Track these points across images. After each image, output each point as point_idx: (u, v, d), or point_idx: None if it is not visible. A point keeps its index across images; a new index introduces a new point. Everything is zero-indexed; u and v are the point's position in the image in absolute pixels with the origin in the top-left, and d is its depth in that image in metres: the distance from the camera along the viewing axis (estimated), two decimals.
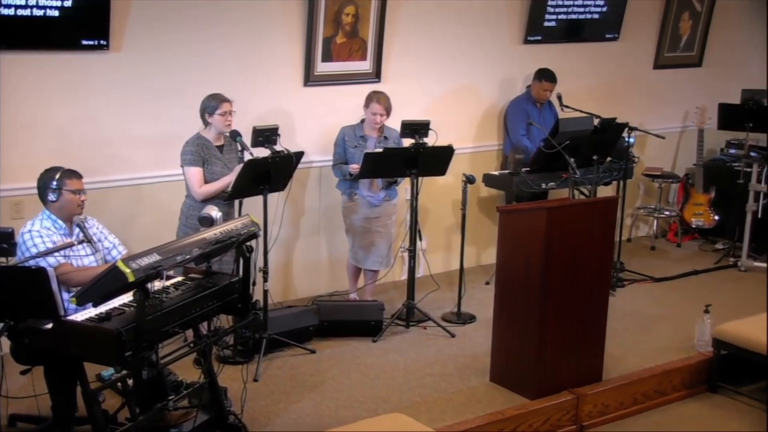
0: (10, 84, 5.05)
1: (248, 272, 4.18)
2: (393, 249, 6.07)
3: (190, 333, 4.39)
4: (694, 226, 7.86)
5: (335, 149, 5.88)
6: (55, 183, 4.29)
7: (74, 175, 4.35)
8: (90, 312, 3.69)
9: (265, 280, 5.26)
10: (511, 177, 6.36)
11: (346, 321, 5.65)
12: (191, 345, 4.09)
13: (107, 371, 4.53)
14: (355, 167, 5.67)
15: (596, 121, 6.44)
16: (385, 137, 5.86)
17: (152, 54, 5.45)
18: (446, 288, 6.51)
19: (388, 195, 5.94)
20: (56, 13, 4.97)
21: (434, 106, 6.66)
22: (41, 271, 3.54)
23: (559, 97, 6.81)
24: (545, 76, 6.78)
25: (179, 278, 4.17)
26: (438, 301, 6.27)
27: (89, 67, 5.25)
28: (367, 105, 5.78)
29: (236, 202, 5.34)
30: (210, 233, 3.95)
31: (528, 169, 6.34)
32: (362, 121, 5.87)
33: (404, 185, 6.34)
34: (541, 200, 6.10)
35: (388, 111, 5.76)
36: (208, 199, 5.07)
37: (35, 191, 4.42)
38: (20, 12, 4.87)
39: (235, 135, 5.20)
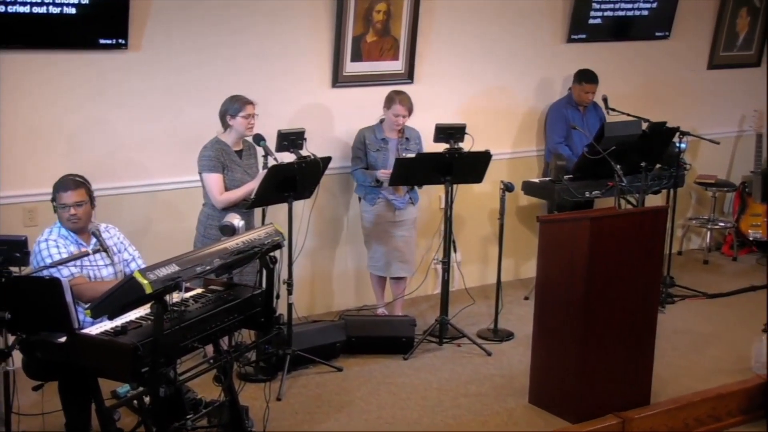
0: (25, 85, 5.13)
1: (272, 284, 4.20)
2: (415, 254, 6.06)
3: (210, 348, 4.42)
4: (751, 239, 7.77)
5: (355, 153, 5.91)
6: (52, 196, 4.37)
7: (67, 186, 4.35)
8: (105, 325, 3.73)
9: (290, 292, 5.28)
10: (552, 185, 6.33)
11: (375, 337, 5.66)
12: (211, 361, 4.12)
13: (123, 388, 4.58)
14: (385, 173, 5.68)
15: (645, 125, 6.39)
16: (407, 138, 5.88)
17: (172, 54, 5.52)
18: (482, 303, 6.49)
19: (412, 197, 5.96)
20: (73, 10, 5.05)
21: (470, 108, 6.65)
22: (55, 282, 3.59)
23: (605, 100, 6.78)
24: (585, 77, 6.75)
25: (199, 290, 4.20)
26: (473, 316, 6.26)
27: (107, 67, 5.32)
28: (387, 106, 5.80)
29: (258, 210, 5.37)
30: (232, 243, 3.98)
31: (571, 176, 6.31)
32: (381, 121, 5.90)
33: (437, 192, 6.35)
34: (585, 210, 6.07)
35: (410, 111, 5.79)
36: (229, 207, 5.10)
37: (49, 197, 4.48)
38: (36, 9, 4.95)
39: (258, 139, 5.23)
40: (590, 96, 6.79)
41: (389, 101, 5.81)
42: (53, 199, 4.37)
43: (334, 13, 5.97)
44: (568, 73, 6.95)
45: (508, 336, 5.98)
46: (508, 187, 5.84)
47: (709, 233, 7.92)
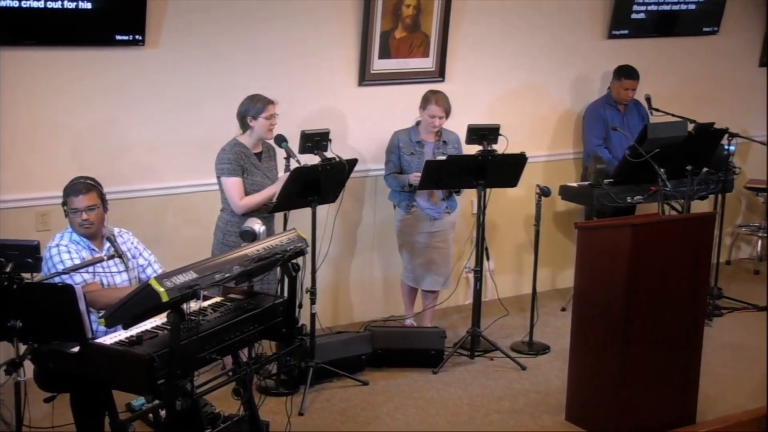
0: (38, 83, 5.19)
1: (294, 293, 4.21)
2: (453, 267, 6.06)
3: (228, 360, 4.45)
4: None
5: (388, 157, 5.91)
6: (63, 201, 4.40)
7: (78, 190, 4.38)
8: (120, 335, 3.75)
9: (313, 302, 5.30)
10: (591, 189, 6.31)
11: (402, 349, 5.66)
12: (230, 373, 4.13)
13: (138, 400, 4.61)
14: (417, 176, 5.69)
15: (691, 127, 6.35)
16: (444, 141, 5.87)
17: (191, 50, 5.56)
18: (516, 314, 6.47)
19: (449, 206, 5.95)
20: (89, 5, 5.11)
21: (505, 108, 6.64)
22: (68, 289, 3.62)
23: (648, 99, 6.74)
24: (625, 73, 6.72)
25: (217, 299, 4.22)
26: (507, 328, 6.24)
27: (123, 65, 5.37)
28: (423, 106, 5.80)
29: (280, 215, 5.39)
30: (252, 249, 3.99)
31: (611, 180, 6.28)
32: (417, 123, 5.90)
33: (469, 197, 6.34)
34: (626, 216, 6.04)
35: (447, 113, 5.78)
36: (249, 213, 5.12)
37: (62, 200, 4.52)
38: (50, 4, 5.01)
39: (280, 140, 5.25)
40: (630, 93, 6.76)
41: (425, 101, 5.80)
42: (64, 204, 4.40)
43: (361, 7, 5.99)
44: (608, 71, 6.92)
45: (543, 349, 5.96)
46: (544, 192, 5.82)
47: (760, 241, 7.84)
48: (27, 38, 5.05)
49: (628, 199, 6.31)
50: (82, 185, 4.39)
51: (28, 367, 3.84)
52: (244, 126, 5.22)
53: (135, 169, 5.54)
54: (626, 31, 7.06)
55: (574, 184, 6.63)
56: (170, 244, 5.53)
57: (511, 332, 6.19)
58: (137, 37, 5.31)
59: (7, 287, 3.63)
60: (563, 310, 6.62)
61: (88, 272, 4.32)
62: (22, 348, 3.81)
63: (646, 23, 7.13)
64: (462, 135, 5.80)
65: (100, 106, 5.40)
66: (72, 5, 5.06)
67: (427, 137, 5.86)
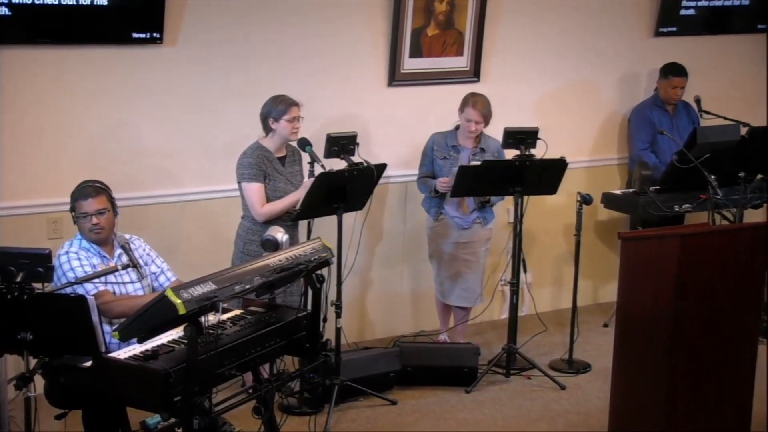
0: (51, 83, 5.25)
1: (318, 306, 4.22)
2: (484, 283, 6.05)
3: (249, 376, 4.46)
4: None
5: (422, 159, 5.91)
6: (71, 205, 4.44)
7: (87, 194, 4.41)
8: (135, 349, 3.78)
9: (338, 315, 5.30)
10: (636, 197, 6.28)
11: (433, 367, 5.66)
12: (250, 391, 4.15)
13: (153, 418, 4.61)
14: (444, 182, 5.68)
15: (744, 130, 6.31)
16: (482, 148, 5.86)
17: (211, 49, 5.60)
18: (555, 330, 6.45)
19: (481, 217, 5.93)
20: (105, 1, 5.16)
21: (543, 110, 6.63)
22: (81, 300, 3.64)
23: (698, 101, 6.70)
24: (672, 70, 6.69)
25: (237, 311, 4.24)
26: (545, 345, 6.23)
27: (140, 64, 5.42)
28: (461, 109, 5.80)
29: (303, 223, 5.41)
30: (274, 259, 4.00)
31: (657, 187, 6.25)
32: (457, 127, 5.89)
33: (505, 205, 6.32)
34: (674, 226, 6.00)
35: (485, 119, 5.76)
36: (271, 220, 5.15)
37: None
38: (65, 1, 5.06)
39: (304, 144, 5.27)
40: (679, 92, 6.72)
41: (463, 104, 5.80)
42: (72, 209, 4.44)
43: (391, 3, 6.01)
44: (655, 71, 6.89)
45: (584, 368, 5.93)
46: (585, 200, 5.80)
47: None
48: (40, 36, 5.11)
49: (676, 208, 6.27)
50: (91, 188, 4.43)
51: (39, 381, 3.87)
52: (267, 128, 5.24)
53: (151, 173, 5.58)
54: (674, 29, 7.03)
55: (618, 192, 6.60)
56: (187, 254, 5.57)
57: (550, 349, 6.17)
58: (155, 34, 5.35)
59: (17, 298, 3.66)
60: (605, 326, 6.59)
61: (100, 280, 4.34)
62: (33, 362, 3.84)
63: (696, 20, 7.09)
64: (492, 136, 5.79)
65: (116, 108, 5.44)
66: (87, 1, 5.11)
67: (465, 142, 5.86)
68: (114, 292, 4.41)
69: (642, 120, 6.77)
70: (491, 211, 5.97)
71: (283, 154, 5.31)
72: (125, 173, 5.41)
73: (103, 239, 4.45)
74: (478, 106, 5.73)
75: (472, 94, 5.81)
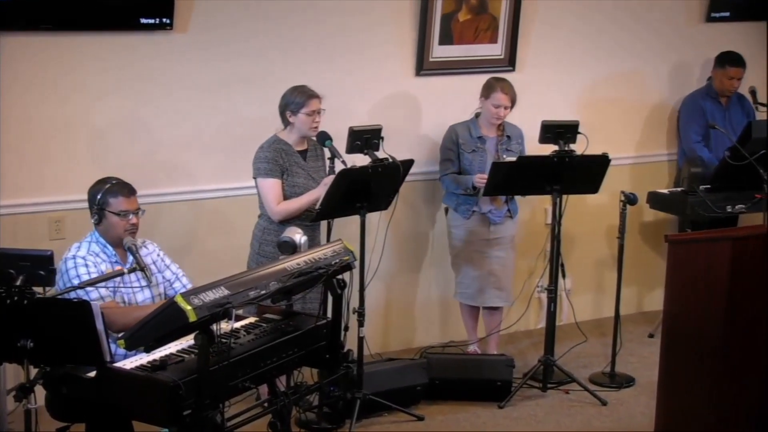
0: (52, 73, 5.29)
1: (339, 314, 4.24)
2: (513, 280, 6.06)
3: (264, 389, 4.48)
4: None
5: (445, 154, 5.93)
6: (97, 201, 4.45)
7: (123, 191, 4.45)
8: (141, 358, 3.80)
9: (361, 324, 5.32)
10: (685, 196, 6.25)
11: (463, 380, 5.66)
12: (265, 404, 4.17)
13: None
14: (482, 178, 5.68)
15: None
16: (508, 136, 5.88)
17: (224, 36, 5.62)
18: (596, 341, 6.44)
19: (511, 209, 5.95)
20: None
21: (584, 102, 6.62)
22: (84, 306, 3.66)
23: (753, 92, 6.68)
24: (730, 60, 6.66)
25: (252, 319, 4.26)
26: (585, 357, 6.22)
27: (148, 52, 5.45)
28: (486, 95, 5.81)
29: (324, 223, 5.42)
30: (292, 263, 4.02)
31: (708, 186, 6.22)
32: (477, 116, 5.90)
33: (542, 205, 6.32)
34: (726, 228, 5.97)
35: (513, 102, 5.79)
36: (289, 220, 5.17)
37: (79, 205, 4.58)
38: None
39: (324, 138, 5.28)
40: (735, 84, 6.70)
41: (488, 89, 5.81)
42: (100, 206, 4.42)
43: None
44: (706, 59, 6.87)
45: (627, 382, 5.92)
46: (630, 199, 5.79)
47: None
48: (41, 22, 5.14)
49: (728, 208, 6.25)
50: (128, 186, 4.48)
51: (40, 392, 3.90)
52: (285, 121, 5.26)
53: (161, 170, 5.61)
54: (727, 14, 7.00)
55: (665, 191, 6.59)
56: (200, 256, 5.60)
57: (590, 361, 6.16)
58: (165, 20, 5.38)
59: (17, 303, 3.69)
60: (651, 336, 6.57)
61: (107, 288, 4.37)
62: (33, 371, 3.87)
63: (751, 4, 7.05)
64: (534, 133, 5.77)
65: (122, 99, 5.47)
66: None
67: (489, 132, 5.87)
68: (123, 301, 4.43)
69: (694, 110, 6.74)
70: (516, 202, 6.00)
71: (304, 148, 5.33)
72: (133, 169, 5.41)
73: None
74: (506, 89, 5.75)
75: (496, 79, 5.83)
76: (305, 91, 5.22)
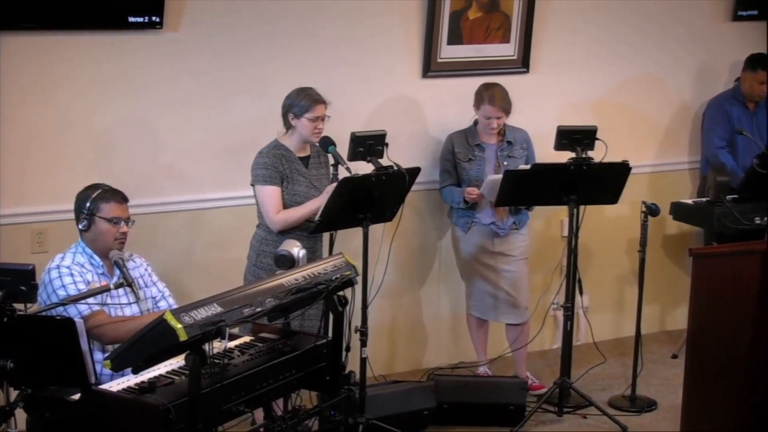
0: (34, 74, 5.28)
1: (340, 333, 4.24)
2: (529, 295, 6.05)
3: (259, 413, 4.47)
4: None
5: (442, 165, 5.95)
6: (87, 206, 4.45)
7: (116, 197, 4.47)
8: (129, 380, 3.80)
9: (364, 344, 5.31)
10: (710, 207, 6.25)
11: (474, 404, 5.65)
12: (261, 430, 4.16)
13: None
14: (472, 192, 5.68)
15: None
16: (509, 142, 5.89)
17: (219, 35, 5.63)
18: (615, 361, 6.44)
19: (517, 221, 5.94)
20: None
21: (603, 106, 6.63)
22: (68, 323, 3.66)
23: None
24: (762, 63, 6.65)
25: (247, 338, 4.26)
26: (604, 379, 6.22)
27: (136, 52, 5.45)
28: (476, 105, 5.83)
29: (326, 235, 5.42)
30: (290, 278, 4.02)
31: (735, 196, 6.22)
32: (475, 123, 5.91)
33: (558, 216, 6.31)
34: (754, 241, 5.96)
35: (506, 111, 5.79)
36: (288, 231, 5.17)
37: (63, 216, 4.58)
38: None
39: (326, 144, 5.28)
40: (765, 88, 6.69)
41: (477, 99, 5.84)
42: (91, 212, 4.42)
43: None
44: (733, 60, 6.87)
45: (649, 406, 5.92)
46: (651, 210, 5.79)
47: None
48: (24, 21, 5.14)
49: (757, 220, 6.24)
50: (121, 193, 4.49)
51: (21, 416, 3.90)
52: (287, 124, 5.25)
53: (151, 179, 5.60)
54: (755, 12, 7.01)
55: (689, 201, 6.59)
56: (194, 270, 5.61)
57: (609, 384, 6.16)
58: (154, 18, 5.38)
59: None
60: (674, 357, 6.56)
61: (95, 300, 4.37)
62: (14, 394, 3.87)
63: None
64: (549, 139, 5.77)
65: (108, 102, 5.47)
66: None
67: (488, 139, 5.89)
68: (110, 314, 4.43)
69: (719, 114, 6.73)
70: (526, 213, 5.99)
71: (307, 154, 5.32)
72: (123, 178, 5.38)
73: (117, 249, 4.49)
74: (495, 100, 5.75)
75: (486, 86, 5.84)
76: (311, 95, 5.21)
